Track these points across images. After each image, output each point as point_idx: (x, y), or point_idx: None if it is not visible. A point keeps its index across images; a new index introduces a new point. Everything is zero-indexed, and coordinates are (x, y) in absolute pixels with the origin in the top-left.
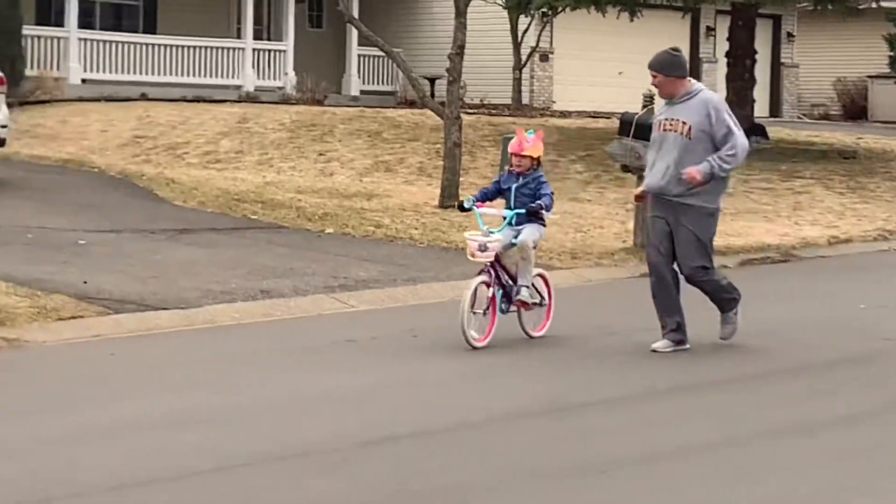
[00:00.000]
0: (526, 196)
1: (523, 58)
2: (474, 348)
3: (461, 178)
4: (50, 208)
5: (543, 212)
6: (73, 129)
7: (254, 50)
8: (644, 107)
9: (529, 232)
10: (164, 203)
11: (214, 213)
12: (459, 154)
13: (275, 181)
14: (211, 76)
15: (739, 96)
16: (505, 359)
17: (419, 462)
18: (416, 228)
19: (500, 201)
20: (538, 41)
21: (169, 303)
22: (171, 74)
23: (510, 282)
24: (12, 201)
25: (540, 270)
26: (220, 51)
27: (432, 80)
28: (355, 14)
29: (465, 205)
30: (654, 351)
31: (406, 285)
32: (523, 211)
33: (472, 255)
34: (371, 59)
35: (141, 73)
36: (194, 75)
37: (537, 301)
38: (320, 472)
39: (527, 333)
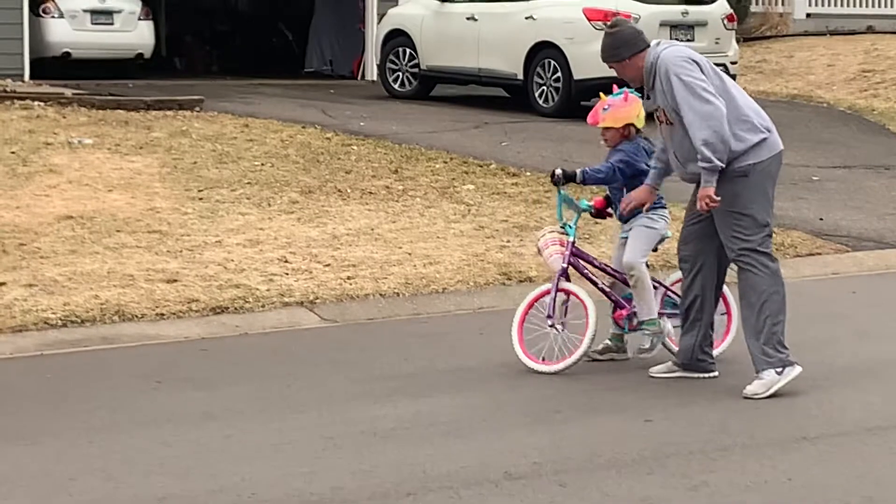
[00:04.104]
0: None
1: None
2: (540, 373)
3: None
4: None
5: (558, 175)
6: (799, 64)
7: None
8: None
9: (633, 245)
10: None
11: None
12: None
13: None
14: None
15: None
16: None
17: None
18: None
19: None
20: None
21: None
22: None
23: (626, 290)
24: None
25: None
26: None
27: None
28: None
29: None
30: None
31: None
32: (562, 193)
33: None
34: None
35: (867, 5)
36: None
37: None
38: None
39: (672, 351)
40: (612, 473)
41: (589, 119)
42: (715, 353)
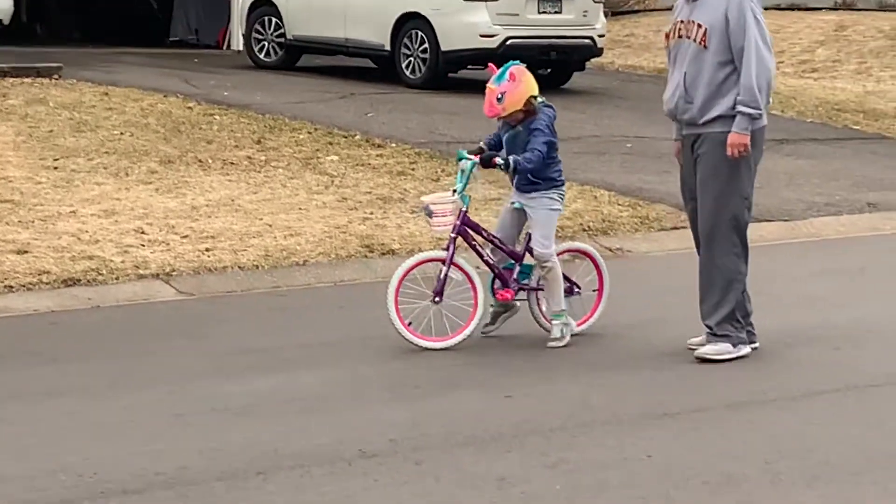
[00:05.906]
0: (519, 149)
1: None
2: (424, 348)
3: None
4: (646, 118)
5: (500, 166)
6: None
7: None
8: None
9: (543, 234)
10: None
11: (814, 124)
12: None
13: (875, 91)
14: None
15: None
16: None
17: None
18: None
19: None
20: None
21: (772, 214)
22: None
23: (508, 260)
24: (609, 110)
25: (581, 245)
26: None
27: None
28: None
29: (459, 157)
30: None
31: None
32: (476, 160)
33: (430, 225)
34: None
35: None
36: None
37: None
38: None
39: (544, 328)
40: (470, 451)
41: (487, 112)
42: (579, 329)
